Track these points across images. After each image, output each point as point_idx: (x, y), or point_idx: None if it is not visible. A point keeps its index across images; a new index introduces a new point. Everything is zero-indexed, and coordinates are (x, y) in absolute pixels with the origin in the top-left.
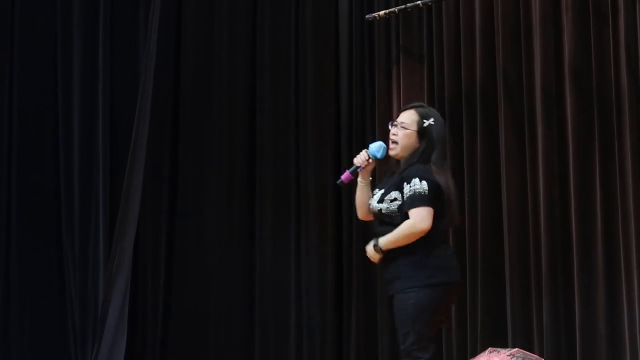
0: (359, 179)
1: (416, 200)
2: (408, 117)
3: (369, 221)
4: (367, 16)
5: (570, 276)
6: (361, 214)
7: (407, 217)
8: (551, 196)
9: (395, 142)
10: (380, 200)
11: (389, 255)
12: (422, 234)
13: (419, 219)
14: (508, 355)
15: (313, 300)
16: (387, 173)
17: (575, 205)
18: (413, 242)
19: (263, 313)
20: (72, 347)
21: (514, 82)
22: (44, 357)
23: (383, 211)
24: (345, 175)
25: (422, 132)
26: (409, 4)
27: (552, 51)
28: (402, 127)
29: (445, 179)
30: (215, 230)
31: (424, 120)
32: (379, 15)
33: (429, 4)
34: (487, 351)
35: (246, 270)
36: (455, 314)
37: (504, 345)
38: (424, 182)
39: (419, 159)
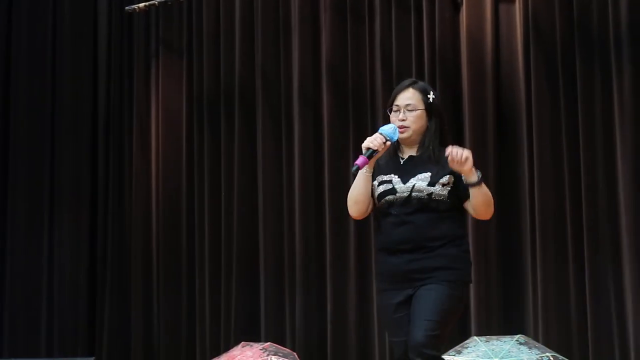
0: (363, 170)
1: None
2: (412, 97)
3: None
4: (126, 8)
5: (323, 273)
6: (361, 209)
7: (456, 205)
8: (306, 195)
9: (406, 127)
10: (432, 184)
11: (433, 244)
12: (487, 218)
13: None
14: (261, 349)
15: (66, 291)
16: (382, 159)
17: (329, 203)
18: (461, 234)
19: (12, 304)
20: None
21: (272, 80)
22: None
23: (433, 195)
24: (361, 160)
25: (429, 109)
26: None
27: (310, 49)
28: (409, 109)
29: None
30: None
31: (427, 96)
32: (139, 7)
33: None
34: (240, 345)
35: None
36: (209, 309)
37: (257, 340)
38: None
39: (440, 140)
